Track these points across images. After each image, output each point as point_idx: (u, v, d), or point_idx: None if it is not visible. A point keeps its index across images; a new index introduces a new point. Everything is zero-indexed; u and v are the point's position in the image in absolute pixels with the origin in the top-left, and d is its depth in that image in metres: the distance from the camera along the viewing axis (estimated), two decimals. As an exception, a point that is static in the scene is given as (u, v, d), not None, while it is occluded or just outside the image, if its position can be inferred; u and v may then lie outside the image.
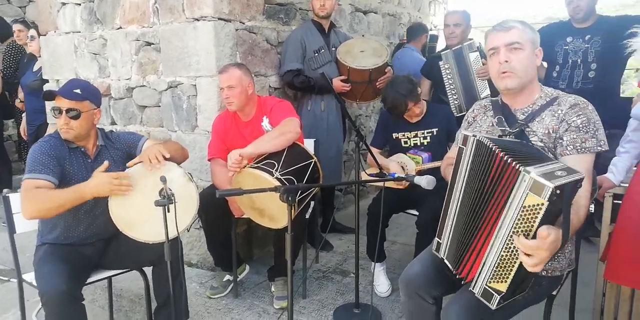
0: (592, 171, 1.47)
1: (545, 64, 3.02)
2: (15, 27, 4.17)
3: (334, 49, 3.15)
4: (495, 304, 1.30)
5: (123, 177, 1.84)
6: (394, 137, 2.62)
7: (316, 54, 3.08)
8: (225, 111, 2.59)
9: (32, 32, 3.89)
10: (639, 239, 1.58)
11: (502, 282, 1.29)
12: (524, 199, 1.19)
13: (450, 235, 1.49)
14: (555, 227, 1.19)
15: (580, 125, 1.44)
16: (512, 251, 1.25)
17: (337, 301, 2.49)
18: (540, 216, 1.17)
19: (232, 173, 2.14)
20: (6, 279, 3.14)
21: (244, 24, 2.83)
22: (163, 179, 1.71)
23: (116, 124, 3.25)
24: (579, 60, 2.90)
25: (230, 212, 2.43)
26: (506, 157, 1.26)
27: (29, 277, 2.05)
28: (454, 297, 1.52)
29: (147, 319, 2.32)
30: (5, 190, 2.14)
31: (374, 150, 2.69)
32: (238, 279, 2.62)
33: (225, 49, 2.71)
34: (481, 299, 1.34)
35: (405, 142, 2.60)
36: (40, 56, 3.76)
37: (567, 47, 2.95)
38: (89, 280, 2.06)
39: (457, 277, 1.45)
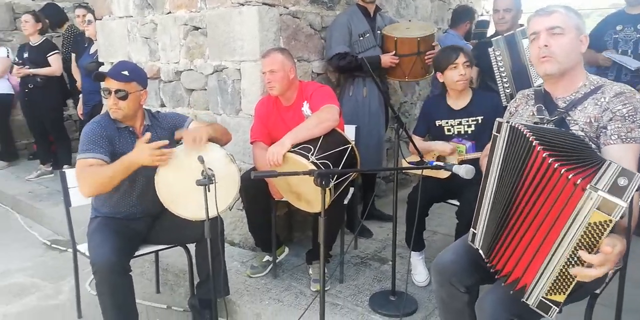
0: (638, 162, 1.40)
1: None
2: (77, 11, 4.36)
3: (379, 32, 3.10)
4: (554, 315, 1.26)
5: (166, 151, 1.91)
6: (437, 125, 2.56)
7: (361, 38, 3.04)
8: (267, 95, 2.62)
9: (90, 16, 4.06)
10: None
11: (560, 294, 1.25)
12: (590, 216, 1.13)
13: (485, 226, 1.47)
14: (618, 236, 1.15)
15: (626, 115, 1.37)
16: (574, 265, 1.20)
17: (374, 287, 2.50)
18: (607, 233, 1.12)
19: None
20: (64, 248, 3.38)
21: (287, 8, 2.83)
22: (201, 159, 1.77)
23: (165, 106, 3.36)
24: (629, 51, 2.73)
25: (270, 195, 2.48)
26: (546, 154, 1.22)
27: (83, 247, 2.19)
28: (490, 289, 1.50)
29: (189, 293, 2.44)
30: (65, 166, 2.29)
31: (416, 139, 2.66)
32: (277, 261, 2.69)
33: (269, 34, 2.72)
34: (537, 310, 1.29)
35: (449, 130, 2.54)
36: (96, 39, 3.92)
37: (616, 36, 2.79)
38: (137, 253, 2.18)
39: (491, 269, 1.43)
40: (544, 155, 1.22)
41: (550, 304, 1.26)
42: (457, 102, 2.54)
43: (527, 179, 1.28)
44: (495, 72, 3.02)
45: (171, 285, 2.81)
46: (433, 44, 3.05)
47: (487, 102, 2.50)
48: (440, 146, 2.48)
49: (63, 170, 2.27)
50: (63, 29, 5.02)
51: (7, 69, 4.86)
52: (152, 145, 1.89)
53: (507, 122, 1.36)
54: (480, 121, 2.47)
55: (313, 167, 2.03)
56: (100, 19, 3.71)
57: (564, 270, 1.22)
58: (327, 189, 1.53)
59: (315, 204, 2.15)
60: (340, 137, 2.32)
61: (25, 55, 4.60)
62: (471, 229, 1.54)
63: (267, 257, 2.68)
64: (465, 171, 1.66)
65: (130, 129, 2.13)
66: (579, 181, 1.15)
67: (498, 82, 3.02)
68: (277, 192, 2.42)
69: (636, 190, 1.10)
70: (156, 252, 2.44)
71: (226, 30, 2.83)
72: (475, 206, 1.52)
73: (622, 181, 1.10)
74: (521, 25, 3.13)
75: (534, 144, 1.25)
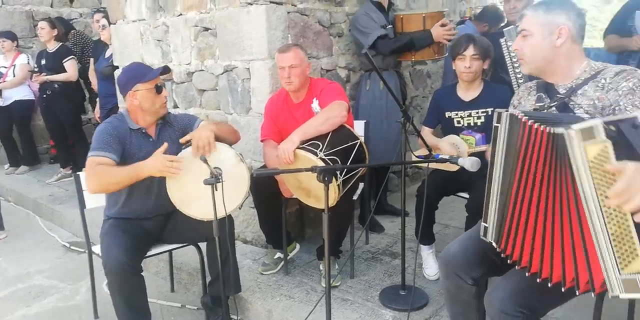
0: None
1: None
2: (96, 16, 4.45)
3: (391, 26, 3.09)
4: None
5: (176, 161, 1.93)
6: (447, 116, 2.54)
7: (384, 29, 3.04)
8: (277, 93, 2.64)
9: (104, 21, 4.14)
10: None
11: (633, 259, 1.08)
12: (585, 153, 1.07)
13: (495, 217, 1.45)
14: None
15: (634, 87, 1.35)
16: (617, 218, 1.07)
17: (385, 282, 2.50)
18: (611, 159, 1.04)
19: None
20: (82, 250, 3.45)
21: (295, 6, 2.85)
22: (203, 159, 1.79)
23: (178, 107, 3.41)
24: None
25: (280, 193, 2.50)
26: (535, 124, 1.23)
27: (98, 249, 2.22)
28: (500, 281, 1.49)
29: (202, 291, 2.47)
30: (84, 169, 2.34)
31: (426, 130, 2.64)
32: (288, 257, 2.70)
33: (276, 32, 2.74)
34: (629, 295, 1.09)
35: (459, 122, 2.52)
36: (111, 44, 4.00)
37: None
38: (150, 253, 2.22)
39: (502, 255, 1.41)
40: (533, 124, 1.23)
41: (634, 278, 1.07)
42: (467, 93, 2.51)
43: (524, 159, 1.29)
44: (507, 62, 2.97)
45: (185, 284, 2.85)
46: (446, 23, 2.97)
47: (498, 95, 2.46)
48: (445, 146, 2.44)
49: (78, 173, 2.32)
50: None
51: (28, 75, 5.00)
52: (167, 157, 1.92)
53: (506, 111, 1.37)
54: (490, 113, 2.43)
55: (321, 163, 2.04)
56: (115, 23, 3.78)
57: (612, 229, 1.08)
58: (336, 184, 1.54)
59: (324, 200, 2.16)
60: (348, 133, 2.32)
61: (43, 61, 4.72)
62: (482, 222, 1.53)
63: (278, 254, 2.70)
64: (470, 164, 1.65)
65: (143, 131, 2.17)
66: (553, 130, 1.16)
67: (510, 73, 2.97)
68: (286, 190, 2.43)
69: (628, 120, 1.09)
70: (169, 251, 2.47)
71: (235, 30, 2.86)
72: (484, 199, 1.51)
73: (605, 118, 1.10)
74: None
75: (523, 120, 1.26)
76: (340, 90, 2.50)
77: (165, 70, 2.16)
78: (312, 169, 1.53)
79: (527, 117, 1.28)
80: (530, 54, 1.51)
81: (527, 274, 1.35)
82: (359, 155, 2.24)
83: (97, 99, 4.59)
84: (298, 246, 2.83)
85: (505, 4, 3.16)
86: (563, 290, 1.25)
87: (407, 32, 2.98)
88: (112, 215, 2.23)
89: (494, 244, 1.47)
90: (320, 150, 2.11)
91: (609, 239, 1.09)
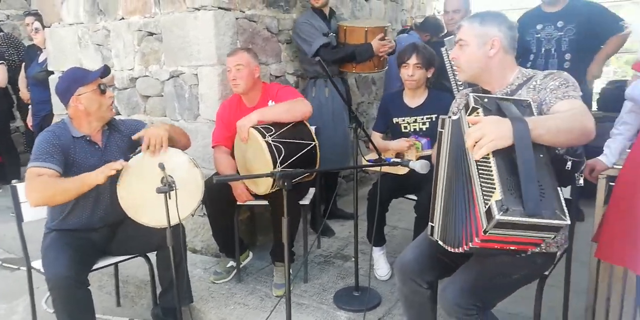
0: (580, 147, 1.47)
1: None
2: (27, 19, 4.21)
3: (333, 35, 3.16)
4: (497, 211, 1.15)
5: (122, 166, 1.88)
6: (394, 122, 2.64)
7: (326, 37, 3.08)
8: (229, 99, 2.63)
9: (37, 24, 3.93)
10: (630, 219, 1.60)
11: (492, 192, 1.21)
12: (467, 124, 1.32)
13: (440, 216, 1.53)
14: None
15: (559, 84, 1.47)
16: (484, 166, 1.25)
17: (338, 285, 2.53)
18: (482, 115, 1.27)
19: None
20: (16, 267, 3.23)
21: (244, 12, 2.85)
22: (161, 166, 1.75)
23: (120, 114, 3.30)
24: (552, 49, 2.88)
25: (233, 199, 2.48)
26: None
27: (38, 264, 2.10)
28: (451, 279, 1.56)
29: (152, 304, 2.39)
30: (13, 181, 2.20)
31: (376, 135, 2.72)
32: (241, 265, 2.68)
33: (225, 38, 2.73)
34: (490, 223, 1.18)
35: (405, 128, 2.62)
36: (45, 48, 3.80)
37: (538, 35, 2.93)
38: (96, 266, 2.12)
39: (450, 249, 1.43)
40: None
41: (491, 206, 1.18)
42: (413, 100, 2.62)
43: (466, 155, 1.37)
44: (448, 70, 3.13)
45: (132, 297, 2.75)
46: (385, 37, 3.06)
47: (442, 101, 2.58)
48: (395, 144, 2.54)
49: (13, 184, 2.18)
50: None
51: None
52: (112, 165, 1.86)
53: (449, 117, 1.47)
54: (434, 119, 2.55)
55: (266, 146, 2.11)
56: (49, 27, 3.60)
57: (481, 174, 1.26)
58: (276, 176, 1.55)
59: (261, 184, 2.25)
60: (307, 132, 2.37)
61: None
62: (429, 222, 1.60)
63: (231, 263, 2.66)
64: (420, 166, 1.73)
65: (88, 138, 2.08)
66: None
67: (451, 80, 3.13)
68: (240, 195, 2.42)
69: (509, 99, 1.35)
70: (115, 264, 2.37)
71: (181, 35, 2.82)
72: (431, 200, 1.59)
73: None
74: None
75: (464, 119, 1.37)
76: (297, 92, 2.56)
77: (106, 71, 2.08)
78: (271, 175, 1.55)
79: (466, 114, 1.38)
80: (466, 63, 1.59)
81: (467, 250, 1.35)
82: (309, 157, 2.28)
83: (29, 106, 4.33)
84: (251, 254, 2.82)
85: (444, 15, 3.34)
86: (463, 251, 1.34)
87: (350, 44, 3.05)
88: (55, 227, 2.12)
89: (440, 242, 1.53)
90: (270, 135, 2.14)
91: (479, 179, 1.25)
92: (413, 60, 2.48)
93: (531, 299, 1.77)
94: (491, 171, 1.22)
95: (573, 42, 2.82)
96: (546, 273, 1.67)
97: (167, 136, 1.99)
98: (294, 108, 2.35)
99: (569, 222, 1.17)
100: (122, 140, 2.16)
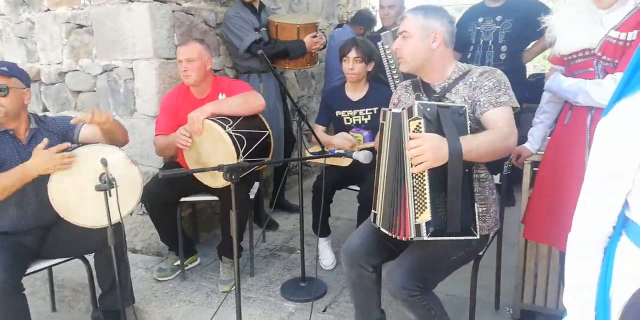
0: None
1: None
2: None
3: (264, 29, 3.13)
4: (425, 232, 1.38)
5: (68, 154, 1.81)
6: (337, 115, 2.69)
7: (257, 32, 3.06)
8: (176, 88, 2.59)
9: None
10: (552, 201, 1.75)
11: (423, 211, 1.38)
12: (408, 127, 1.40)
13: (382, 204, 1.59)
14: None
15: (492, 86, 1.57)
16: (419, 180, 1.39)
17: (285, 277, 2.56)
18: (423, 131, 1.37)
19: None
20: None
21: (180, 5, 2.79)
22: (104, 162, 1.69)
23: (48, 111, 3.13)
24: (490, 42, 3.07)
25: (174, 197, 2.44)
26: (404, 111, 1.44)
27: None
28: (396, 262, 1.63)
29: (92, 307, 2.30)
30: None
31: (319, 128, 2.77)
32: (186, 268, 2.64)
33: (162, 31, 2.66)
34: (416, 238, 1.41)
35: (348, 120, 2.68)
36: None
37: (479, 28, 3.11)
38: (29, 270, 2.01)
39: (393, 236, 1.53)
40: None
41: (421, 224, 1.39)
42: (354, 93, 2.68)
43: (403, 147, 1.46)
44: (384, 64, 3.21)
45: (69, 301, 2.63)
46: (315, 34, 3.08)
47: (382, 94, 2.66)
48: (338, 141, 2.56)
49: None
50: None
51: None
52: (53, 149, 1.79)
53: (390, 110, 1.54)
54: (375, 112, 2.63)
55: (228, 138, 2.11)
56: (-37, 17, 3.33)
57: (415, 187, 1.40)
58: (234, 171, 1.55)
59: (219, 178, 2.17)
60: (260, 122, 2.38)
61: None
62: (372, 210, 1.67)
63: (178, 261, 2.61)
64: (364, 156, 1.78)
65: (11, 132, 1.96)
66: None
67: (387, 74, 3.22)
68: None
69: (459, 113, 1.43)
70: (49, 267, 2.25)
71: (114, 27, 2.71)
72: (373, 189, 1.65)
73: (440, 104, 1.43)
74: None
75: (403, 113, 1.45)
76: (247, 85, 2.56)
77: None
78: (219, 168, 1.53)
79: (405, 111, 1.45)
80: (409, 54, 1.64)
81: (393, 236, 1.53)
82: (266, 146, 2.30)
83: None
84: (199, 259, 2.78)
85: (380, 9, 3.43)
86: (396, 237, 1.51)
87: (282, 40, 3.04)
88: (-16, 229, 1.99)
89: (382, 229, 1.60)
90: (230, 126, 2.13)
91: (412, 194, 1.41)
92: (353, 54, 2.54)
93: (466, 280, 1.88)
94: (425, 188, 1.38)
95: (509, 36, 3.00)
96: (480, 254, 1.79)
97: (111, 117, 1.94)
98: (249, 101, 2.36)
99: (478, 236, 1.44)
100: (51, 137, 2.04)
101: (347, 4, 5.10)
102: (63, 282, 2.63)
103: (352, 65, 2.55)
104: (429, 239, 1.37)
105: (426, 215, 1.37)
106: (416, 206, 1.40)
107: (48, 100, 3.12)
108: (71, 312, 2.58)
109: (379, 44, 3.15)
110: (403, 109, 1.45)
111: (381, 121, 1.60)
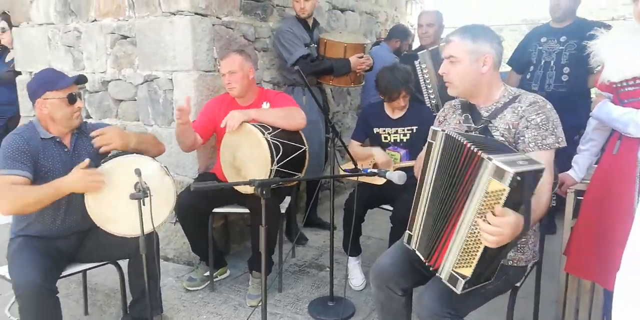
0: (553, 166, 1.54)
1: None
2: None
3: (314, 46, 3.17)
4: (461, 288, 1.34)
5: (98, 174, 1.84)
6: (375, 132, 2.66)
7: (307, 48, 3.09)
8: (222, 95, 2.64)
9: (3, 23, 3.81)
10: (598, 234, 1.66)
11: (467, 267, 1.33)
12: (487, 185, 1.25)
13: (421, 227, 1.54)
14: (515, 212, 1.25)
15: (540, 123, 1.51)
16: (476, 236, 1.30)
17: (313, 294, 2.53)
18: (502, 202, 1.22)
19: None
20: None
21: (220, 19, 2.83)
22: (138, 172, 1.72)
23: (91, 118, 3.22)
24: (552, 62, 2.96)
25: (206, 208, 2.44)
26: (472, 146, 1.32)
27: (3, 270, 2.02)
28: (427, 286, 1.58)
29: (122, 313, 2.33)
30: None
31: (354, 143, 2.74)
32: (216, 280, 2.64)
33: (202, 44, 2.71)
34: (447, 284, 1.38)
35: (385, 138, 2.65)
36: (12, 48, 3.68)
37: (541, 48, 3.01)
38: (64, 273, 2.05)
39: (430, 268, 1.49)
40: (471, 147, 1.33)
41: (458, 276, 1.35)
42: (394, 111, 2.66)
43: (459, 176, 1.37)
44: (421, 83, 3.18)
45: (100, 305, 2.67)
46: (362, 55, 3.12)
47: (422, 113, 2.65)
48: (378, 153, 2.56)
49: None
50: None
51: None
52: (89, 172, 1.83)
53: (442, 130, 1.46)
54: (415, 131, 2.59)
55: (265, 143, 2.14)
56: (17, 26, 3.49)
57: (468, 240, 1.31)
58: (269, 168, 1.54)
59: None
60: (299, 137, 2.40)
61: None
62: (407, 231, 1.61)
63: (208, 272, 2.62)
64: (398, 177, 1.75)
65: (57, 139, 2.02)
66: (484, 155, 1.27)
67: (424, 93, 3.18)
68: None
69: (538, 176, 1.25)
70: (84, 271, 2.30)
71: (157, 39, 2.78)
72: (410, 210, 1.59)
73: (521, 162, 1.23)
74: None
75: (463, 142, 1.35)
76: (293, 100, 2.60)
77: (81, 79, 2.03)
78: (250, 183, 1.53)
79: (466, 140, 1.36)
80: (458, 79, 1.59)
81: (431, 269, 1.48)
82: (300, 160, 2.30)
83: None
84: (228, 271, 2.78)
85: (418, 28, 3.39)
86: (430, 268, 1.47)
87: (329, 57, 3.08)
88: (22, 233, 2.04)
89: (417, 253, 1.55)
90: (269, 133, 2.16)
91: (462, 244, 1.34)
92: (402, 93, 2.54)
93: (503, 310, 1.80)
94: (478, 248, 1.30)
95: (573, 57, 2.88)
96: (517, 285, 1.71)
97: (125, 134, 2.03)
98: (292, 116, 2.38)
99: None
100: (91, 145, 2.09)
101: (386, 22, 5.09)
102: (96, 286, 2.67)
103: (404, 103, 2.60)
104: (461, 291, 1.35)
105: (467, 272, 1.33)
106: (461, 257, 1.35)
107: (91, 107, 3.21)
108: (102, 317, 2.61)
109: (416, 62, 3.13)
110: (479, 150, 1.29)
111: (429, 140, 1.52)
